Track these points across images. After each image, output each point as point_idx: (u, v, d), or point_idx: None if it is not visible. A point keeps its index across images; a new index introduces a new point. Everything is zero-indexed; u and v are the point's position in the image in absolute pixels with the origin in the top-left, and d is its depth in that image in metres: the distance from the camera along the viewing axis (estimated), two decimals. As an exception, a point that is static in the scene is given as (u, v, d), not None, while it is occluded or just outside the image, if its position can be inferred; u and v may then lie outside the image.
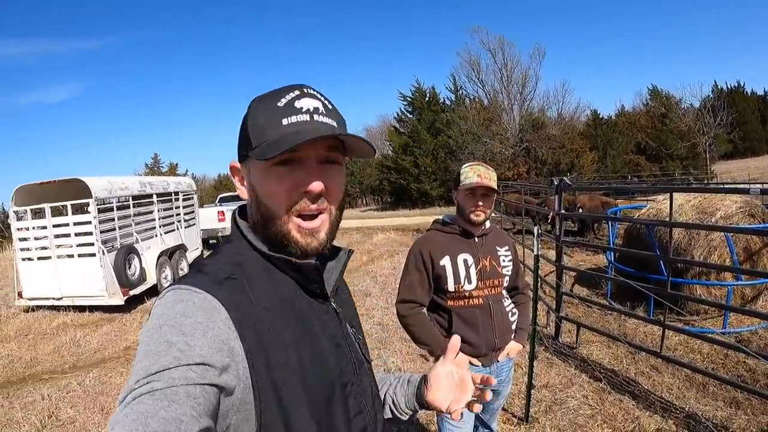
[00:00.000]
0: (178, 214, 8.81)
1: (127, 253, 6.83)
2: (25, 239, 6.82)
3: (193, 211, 9.53)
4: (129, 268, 6.81)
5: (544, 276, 5.72)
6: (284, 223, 0.68)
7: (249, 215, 0.74)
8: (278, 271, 0.70)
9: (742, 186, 13.59)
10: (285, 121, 0.66)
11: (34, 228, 6.75)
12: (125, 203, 7.26)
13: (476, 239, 1.85)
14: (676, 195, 4.75)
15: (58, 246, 6.66)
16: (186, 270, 8.51)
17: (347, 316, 0.80)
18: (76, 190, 6.69)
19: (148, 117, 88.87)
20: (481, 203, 1.76)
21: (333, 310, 0.75)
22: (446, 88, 41.48)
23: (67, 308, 6.77)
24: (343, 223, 0.86)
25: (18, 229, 6.84)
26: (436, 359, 1.07)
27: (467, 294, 1.80)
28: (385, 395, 0.92)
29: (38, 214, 6.84)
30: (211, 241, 12.22)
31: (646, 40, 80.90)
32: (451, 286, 1.79)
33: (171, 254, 8.04)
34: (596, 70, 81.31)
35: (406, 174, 31.37)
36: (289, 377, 0.62)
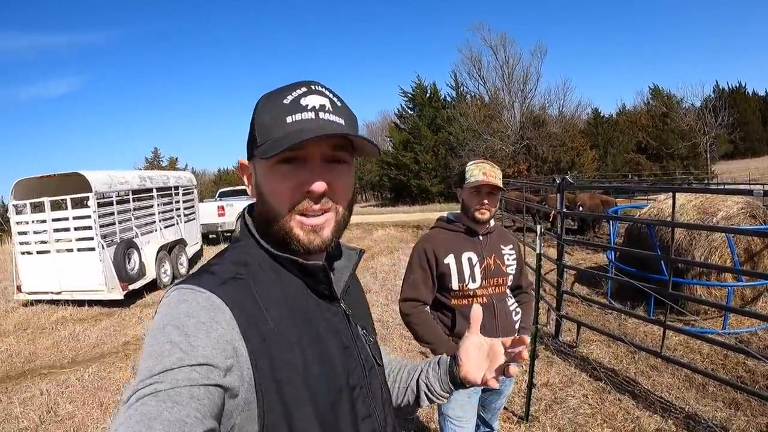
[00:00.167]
0: (178, 209, 8.80)
1: (127, 247, 6.82)
2: (24, 233, 6.79)
3: (192, 206, 9.53)
4: (128, 262, 6.80)
5: (545, 274, 5.71)
6: (286, 221, 0.67)
7: (255, 213, 0.74)
8: (285, 271, 0.69)
9: (744, 187, 13.60)
10: (289, 119, 0.65)
11: (33, 222, 6.73)
12: (125, 197, 7.24)
13: (481, 237, 1.84)
14: (677, 195, 4.74)
15: (58, 240, 6.64)
16: (185, 265, 8.54)
17: (358, 317, 0.78)
18: (76, 184, 6.66)
19: (148, 111, 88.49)
20: (486, 201, 1.75)
21: (342, 312, 0.74)
22: (447, 84, 41.46)
23: (66, 302, 6.76)
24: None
25: (17, 223, 6.81)
26: None
27: (471, 293, 1.78)
28: (418, 381, 0.91)
29: (38, 207, 6.82)
30: (210, 236, 12.23)
31: (647, 39, 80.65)
32: (455, 285, 1.78)
33: (170, 249, 8.03)
34: (597, 69, 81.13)
35: (406, 170, 31.33)
36: (293, 378, 0.61)
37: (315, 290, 0.70)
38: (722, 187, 14.59)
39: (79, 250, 6.53)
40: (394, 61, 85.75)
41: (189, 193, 9.35)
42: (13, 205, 6.82)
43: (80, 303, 6.73)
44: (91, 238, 6.41)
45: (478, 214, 1.77)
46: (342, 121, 0.67)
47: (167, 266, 7.83)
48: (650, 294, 3.96)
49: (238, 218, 0.75)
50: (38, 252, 6.73)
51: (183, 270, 8.38)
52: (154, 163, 39.73)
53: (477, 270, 1.79)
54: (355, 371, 0.71)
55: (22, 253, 6.81)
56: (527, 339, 0.79)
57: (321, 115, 0.65)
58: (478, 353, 0.84)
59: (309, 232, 0.67)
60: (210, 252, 10.69)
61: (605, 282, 5.80)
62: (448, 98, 32.65)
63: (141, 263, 7.14)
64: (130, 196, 7.31)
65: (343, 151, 0.68)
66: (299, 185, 0.65)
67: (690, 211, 5.01)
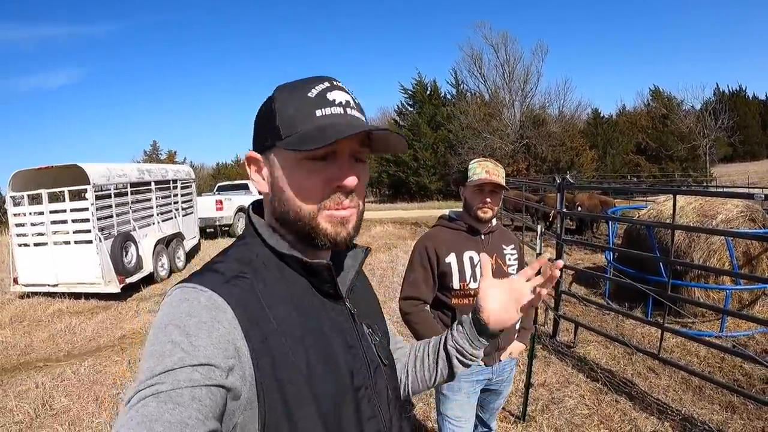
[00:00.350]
0: (176, 202, 8.77)
1: (124, 240, 6.79)
2: (21, 225, 6.77)
3: (191, 200, 9.50)
4: (126, 255, 6.78)
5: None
6: (314, 215, 0.66)
7: (266, 209, 0.72)
8: (290, 270, 0.68)
9: (745, 191, 13.64)
10: (319, 113, 0.64)
11: (30, 214, 6.71)
12: (123, 190, 7.21)
13: (482, 236, 1.82)
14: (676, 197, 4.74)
15: (55, 232, 6.61)
16: (182, 258, 8.52)
17: (363, 316, 0.77)
18: (74, 176, 6.62)
19: (147, 104, 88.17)
20: (489, 200, 1.74)
21: (347, 311, 0.73)
22: (447, 82, 41.33)
23: (62, 295, 6.74)
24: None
25: (15, 215, 6.79)
26: None
27: (472, 292, 1.77)
28: (447, 349, 0.88)
29: (35, 199, 6.79)
30: (208, 230, 12.20)
31: (647, 39, 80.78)
32: (456, 284, 1.76)
33: (168, 242, 8.01)
34: (598, 69, 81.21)
35: (405, 167, 31.34)
36: (295, 377, 0.61)
37: (319, 289, 0.70)
38: (721, 190, 14.61)
39: (76, 242, 6.51)
40: (395, 57, 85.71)
41: (187, 187, 9.32)
42: (11, 196, 6.78)
43: (77, 296, 6.70)
44: (89, 231, 6.39)
45: (480, 213, 1.75)
46: (363, 118, 0.68)
47: (164, 260, 7.82)
48: (648, 295, 3.96)
49: (236, 213, 0.74)
50: (35, 244, 6.71)
51: (180, 264, 8.37)
52: (152, 156, 39.60)
53: (478, 269, 1.77)
54: (360, 371, 0.70)
55: (19, 245, 6.79)
56: (561, 264, 0.77)
57: (348, 111, 0.66)
58: (498, 290, 0.81)
59: (337, 224, 0.67)
60: (207, 246, 10.68)
61: (603, 282, 5.81)
62: (449, 96, 32.66)
63: (138, 256, 7.12)
64: (128, 189, 7.27)
65: (363, 147, 0.69)
66: (329, 180, 0.65)
67: (689, 214, 5.01)
